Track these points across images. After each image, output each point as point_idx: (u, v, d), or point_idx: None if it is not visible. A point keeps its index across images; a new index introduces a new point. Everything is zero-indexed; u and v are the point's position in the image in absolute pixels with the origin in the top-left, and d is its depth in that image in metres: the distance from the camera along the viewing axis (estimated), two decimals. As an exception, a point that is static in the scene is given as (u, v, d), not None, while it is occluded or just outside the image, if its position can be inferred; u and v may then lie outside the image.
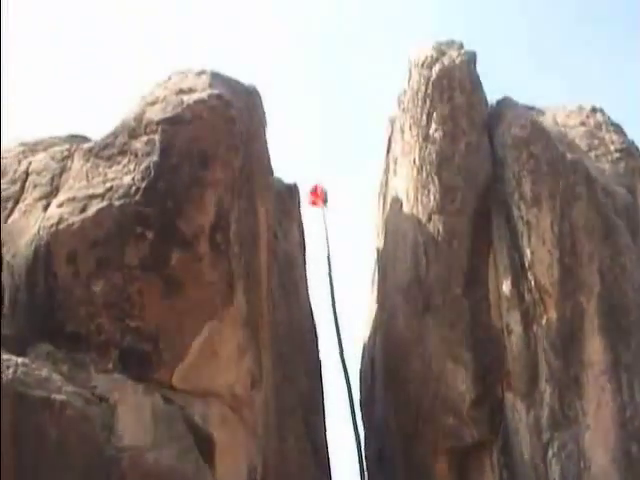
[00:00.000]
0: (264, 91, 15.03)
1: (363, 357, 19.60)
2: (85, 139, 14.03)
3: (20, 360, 10.63)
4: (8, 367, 10.41)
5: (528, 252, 14.22)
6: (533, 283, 14.11)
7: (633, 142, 16.97)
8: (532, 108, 17.34)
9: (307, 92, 50.30)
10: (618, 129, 17.20)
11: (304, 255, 18.74)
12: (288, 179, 18.74)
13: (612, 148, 16.60)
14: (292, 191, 18.79)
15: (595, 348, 13.77)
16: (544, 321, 13.96)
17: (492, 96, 16.19)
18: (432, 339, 15.13)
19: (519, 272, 14.32)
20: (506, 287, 14.38)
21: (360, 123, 48.47)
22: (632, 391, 13.59)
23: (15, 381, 10.30)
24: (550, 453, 13.51)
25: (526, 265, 14.23)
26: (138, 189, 11.98)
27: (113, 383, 11.10)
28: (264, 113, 15.17)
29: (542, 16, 48.80)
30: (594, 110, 17.67)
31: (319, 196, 21.71)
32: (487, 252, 14.89)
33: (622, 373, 13.65)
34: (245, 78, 14.41)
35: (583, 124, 17.23)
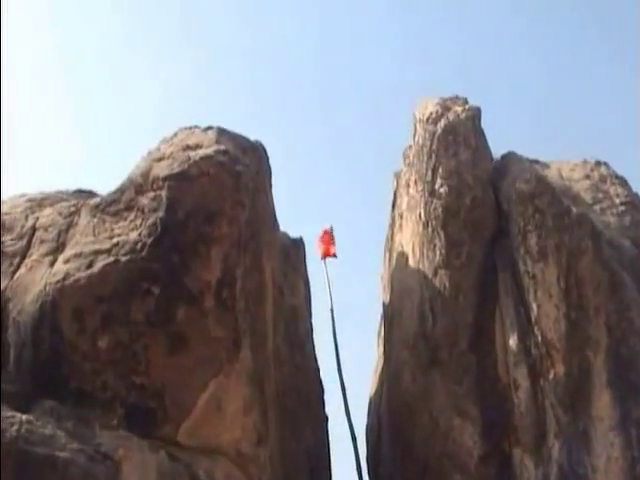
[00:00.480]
0: (269, 146, 15.15)
1: (370, 411, 19.41)
2: (92, 194, 14.19)
3: (24, 417, 10.64)
4: (12, 424, 10.44)
5: (534, 306, 14.17)
6: (540, 338, 14.01)
7: (637, 195, 16.96)
8: (537, 162, 17.40)
9: (311, 146, 50.82)
10: (622, 182, 17.21)
11: (309, 309, 18.68)
12: (293, 233, 18.78)
13: (617, 201, 16.58)
14: (298, 245, 18.78)
15: (603, 403, 13.65)
16: (551, 376, 13.83)
17: (496, 150, 16.32)
18: (439, 394, 14.98)
19: (525, 327, 14.23)
20: (513, 342, 14.28)
21: (365, 177, 48.88)
22: (642, 446, 13.61)
23: (19, 439, 10.32)
24: (560, 511, 13.43)
25: (532, 320, 14.16)
26: (144, 245, 12.01)
27: (118, 440, 11.01)
28: (269, 169, 15.29)
29: (545, 68, 49.37)
30: (598, 163, 17.71)
31: (329, 241, 21.78)
32: (493, 306, 14.82)
33: (631, 428, 13.48)
34: (251, 133, 14.53)
35: (587, 177, 17.24)
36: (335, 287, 21.03)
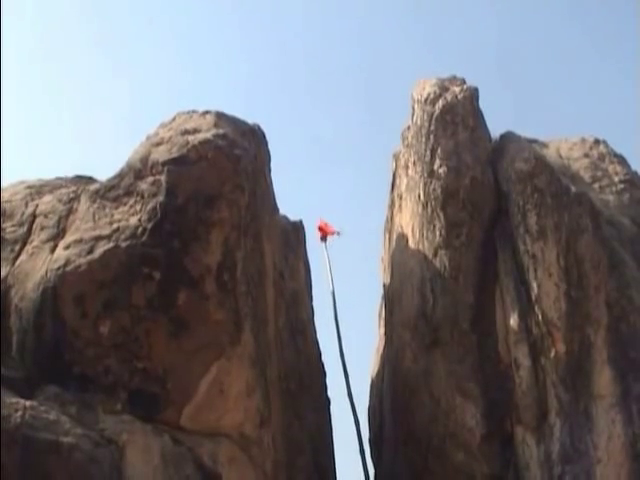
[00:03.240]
0: (267, 128, 15.34)
1: (372, 393, 19.63)
2: (91, 180, 14.36)
3: (28, 403, 10.81)
4: (16, 410, 10.63)
5: (534, 285, 14.30)
6: (540, 317, 14.16)
7: (636, 173, 17.16)
8: (535, 141, 17.52)
9: (309, 130, 50.96)
10: (621, 160, 17.41)
11: (310, 292, 18.86)
12: (293, 216, 18.94)
13: (616, 179, 16.78)
14: (297, 228, 18.92)
15: (604, 380, 13.83)
16: (552, 354, 13.99)
17: (495, 131, 16.43)
18: (440, 374, 15.20)
19: (526, 306, 14.38)
20: (513, 321, 14.43)
21: (364, 159, 49.00)
22: (643, 423, 13.81)
23: (23, 425, 10.48)
24: (562, 488, 13.67)
25: (533, 299, 14.30)
26: (145, 230, 12.19)
27: (122, 424, 11.22)
28: (268, 152, 15.47)
29: (544, 48, 49.31)
30: (597, 142, 17.91)
31: (327, 230, 21.99)
32: (494, 286, 14.98)
33: (632, 405, 13.67)
34: (249, 117, 14.62)
35: (586, 156, 17.44)
36: (335, 270, 21.24)
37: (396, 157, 18.70)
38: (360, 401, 19.04)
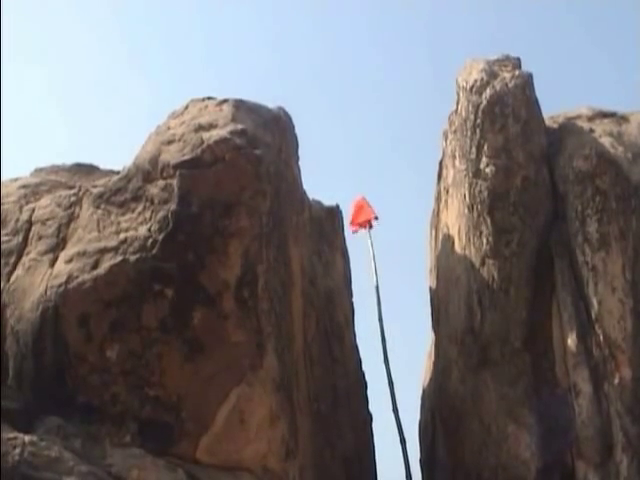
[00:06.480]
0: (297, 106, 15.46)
1: (423, 405, 19.40)
2: (92, 168, 14.73)
3: (27, 438, 11.09)
4: (14, 447, 10.92)
5: (595, 302, 14.24)
6: (602, 337, 14.09)
7: None
8: (613, 114, 17.01)
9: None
10: None
11: (349, 286, 18.62)
12: (328, 201, 18.55)
13: None
14: (333, 215, 18.62)
15: (678, 411, 13.85)
16: (616, 380, 13.91)
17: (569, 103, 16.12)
18: (490, 397, 15.19)
19: (586, 324, 14.31)
20: (571, 341, 14.33)
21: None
22: None
23: (22, 463, 10.78)
24: (629, 534, 13.65)
25: (593, 316, 14.25)
26: (155, 241, 12.39)
27: (131, 459, 11.46)
28: (295, 138, 15.58)
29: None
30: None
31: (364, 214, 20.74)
32: (549, 301, 14.87)
33: None
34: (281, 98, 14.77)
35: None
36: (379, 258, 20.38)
37: (445, 136, 18.21)
38: (410, 416, 18.92)
